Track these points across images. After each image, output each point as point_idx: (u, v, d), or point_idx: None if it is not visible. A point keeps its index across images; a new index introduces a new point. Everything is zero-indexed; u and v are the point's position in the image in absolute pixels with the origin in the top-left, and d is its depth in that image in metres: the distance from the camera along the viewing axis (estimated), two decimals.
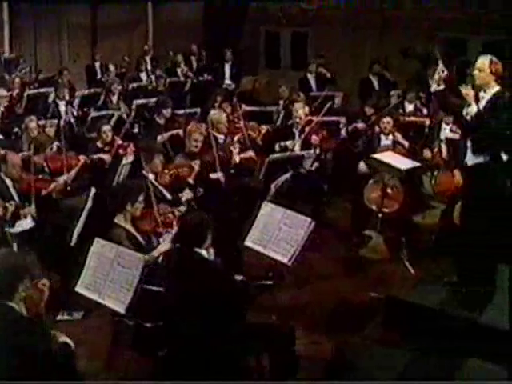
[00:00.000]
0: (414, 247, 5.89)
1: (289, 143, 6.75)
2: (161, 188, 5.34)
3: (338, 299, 5.19)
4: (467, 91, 4.40)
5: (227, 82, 11.19)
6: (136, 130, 8.23)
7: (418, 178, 5.98)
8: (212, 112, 6.64)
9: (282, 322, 4.16)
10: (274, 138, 6.99)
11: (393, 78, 9.71)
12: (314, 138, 6.65)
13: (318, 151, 6.75)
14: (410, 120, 7.54)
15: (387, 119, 6.49)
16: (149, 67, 11.26)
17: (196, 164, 5.72)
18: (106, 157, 6.37)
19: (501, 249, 4.66)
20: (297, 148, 6.67)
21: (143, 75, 10.71)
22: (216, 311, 3.67)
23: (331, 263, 5.96)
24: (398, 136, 6.55)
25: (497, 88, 4.41)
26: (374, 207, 6.21)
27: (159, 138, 6.97)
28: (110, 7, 13.16)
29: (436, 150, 6.51)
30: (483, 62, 4.37)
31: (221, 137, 6.47)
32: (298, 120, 6.82)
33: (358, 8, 11.23)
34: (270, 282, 4.88)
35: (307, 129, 6.77)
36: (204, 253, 3.90)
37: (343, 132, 7.40)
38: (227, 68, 11.24)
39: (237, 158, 6.23)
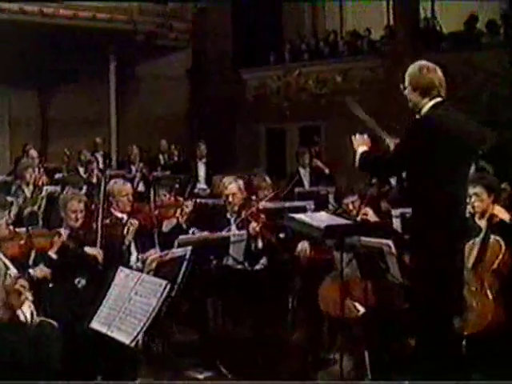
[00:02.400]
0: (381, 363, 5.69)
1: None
2: (4, 259, 5.42)
3: None
4: None
5: (201, 186, 11.63)
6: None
7: (382, 261, 5.88)
8: (112, 181, 6.84)
9: None
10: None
11: None
12: (253, 226, 6.74)
13: (260, 244, 6.80)
14: None
15: (351, 198, 6.74)
16: (100, 163, 12.00)
17: (62, 234, 5.82)
18: None
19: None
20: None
21: (82, 169, 11.35)
22: None
23: None
24: (369, 212, 6.66)
25: (432, 103, 4.51)
26: (332, 313, 6.12)
27: None
28: (62, 99, 14.38)
29: None
30: (406, 74, 4.57)
31: (121, 215, 6.57)
32: (230, 199, 6.93)
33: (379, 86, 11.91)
34: None
35: (244, 213, 6.89)
36: None
37: None
38: (201, 167, 11.76)
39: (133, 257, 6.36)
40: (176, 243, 6.07)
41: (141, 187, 10.93)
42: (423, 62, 4.57)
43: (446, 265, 4.44)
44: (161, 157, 12.68)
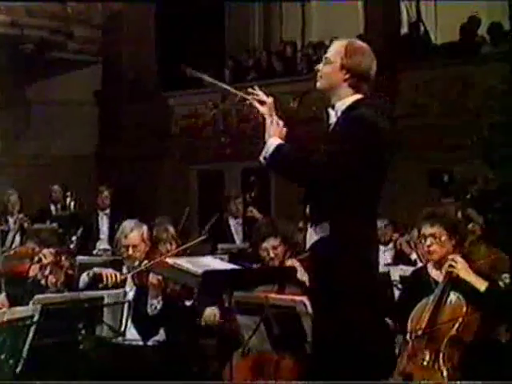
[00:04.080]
0: None
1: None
2: None
3: None
4: None
5: (102, 245, 11.63)
6: None
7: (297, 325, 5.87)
8: None
9: None
10: None
11: None
12: (151, 281, 6.73)
13: (159, 305, 6.77)
14: None
15: (272, 241, 6.76)
16: None
17: None
18: None
19: None
20: (131, 296, 6.74)
21: None
22: None
23: None
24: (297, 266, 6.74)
25: (354, 98, 4.59)
26: None
27: None
28: None
29: None
30: (335, 46, 4.63)
31: None
32: (130, 252, 6.88)
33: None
34: None
35: (144, 263, 6.85)
36: None
37: None
38: (104, 220, 11.80)
39: None
40: (30, 304, 6.06)
41: (18, 243, 10.89)
42: (366, 45, 4.68)
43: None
44: (52, 207, 12.62)
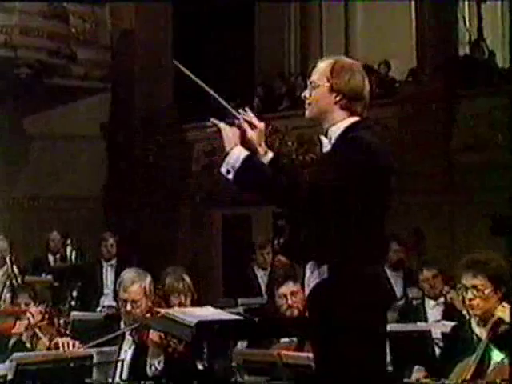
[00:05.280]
0: None
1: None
2: None
3: None
4: None
5: (107, 302, 11.66)
6: None
7: None
8: None
9: None
10: None
11: None
12: (151, 339, 6.80)
13: (158, 365, 6.85)
14: None
15: (291, 286, 6.89)
16: None
17: None
18: None
19: None
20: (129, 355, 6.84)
21: None
22: None
23: None
24: None
25: (350, 121, 4.65)
26: None
27: None
28: None
29: None
30: (320, 68, 4.74)
31: None
32: (128, 308, 6.93)
33: None
34: None
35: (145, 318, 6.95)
36: None
37: None
38: (109, 272, 11.83)
39: None
40: (7, 362, 6.20)
41: (8, 296, 10.98)
42: (355, 62, 4.81)
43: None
44: (50, 257, 12.74)
